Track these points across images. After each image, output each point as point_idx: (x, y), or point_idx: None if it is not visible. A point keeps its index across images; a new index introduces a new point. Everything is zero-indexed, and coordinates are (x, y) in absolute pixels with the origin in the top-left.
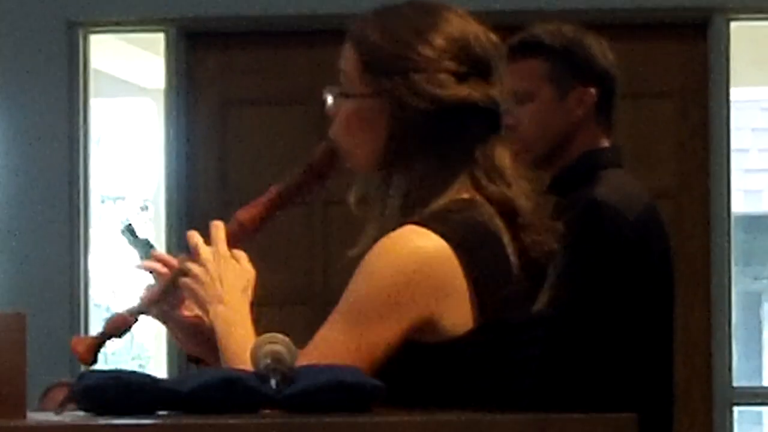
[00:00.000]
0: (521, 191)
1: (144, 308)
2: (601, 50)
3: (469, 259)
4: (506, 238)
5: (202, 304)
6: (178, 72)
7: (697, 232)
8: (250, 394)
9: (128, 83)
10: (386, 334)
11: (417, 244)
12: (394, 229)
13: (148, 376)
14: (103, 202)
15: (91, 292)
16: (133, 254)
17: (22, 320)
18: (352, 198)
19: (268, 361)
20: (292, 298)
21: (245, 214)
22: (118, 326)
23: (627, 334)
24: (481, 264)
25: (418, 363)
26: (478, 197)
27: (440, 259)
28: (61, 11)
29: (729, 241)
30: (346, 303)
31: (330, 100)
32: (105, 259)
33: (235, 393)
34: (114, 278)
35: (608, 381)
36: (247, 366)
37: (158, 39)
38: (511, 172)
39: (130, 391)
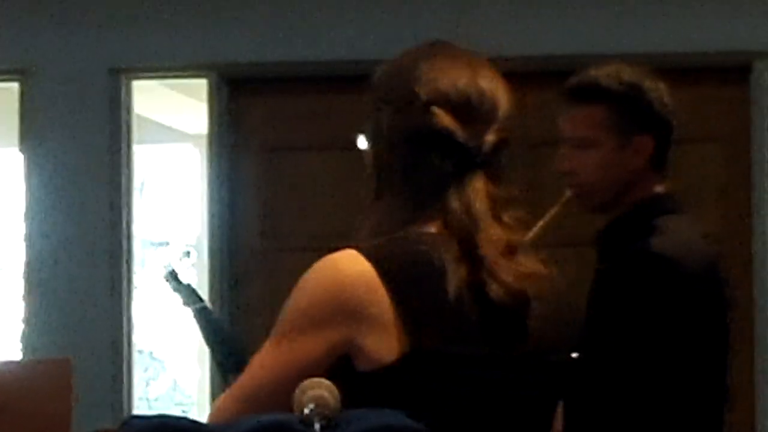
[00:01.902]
0: (489, 231)
1: None
2: (659, 95)
3: (398, 288)
4: (453, 275)
5: None
6: (221, 117)
7: (740, 275)
8: None
9: (171, 129)
10: (307, 349)
11: (343, 267)
12: None
13: (194, 421)
14: (146, 247)
15: (135, 338)
16: (177, 300)
17: (68, 366)
18: None
19: (312, 405)
20: None
21: None
22: None
23: (680, 387)
24: (412, 294)
25: (352, 389)
26: (444, 232)
27: (363, 283)
28: (103, 57)
29: None
30: (278, 321)
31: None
32: (148, 304)
33: None
34: (157, 323)
35: None
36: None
37: (201, 85)
38: (483, 210)
39: None
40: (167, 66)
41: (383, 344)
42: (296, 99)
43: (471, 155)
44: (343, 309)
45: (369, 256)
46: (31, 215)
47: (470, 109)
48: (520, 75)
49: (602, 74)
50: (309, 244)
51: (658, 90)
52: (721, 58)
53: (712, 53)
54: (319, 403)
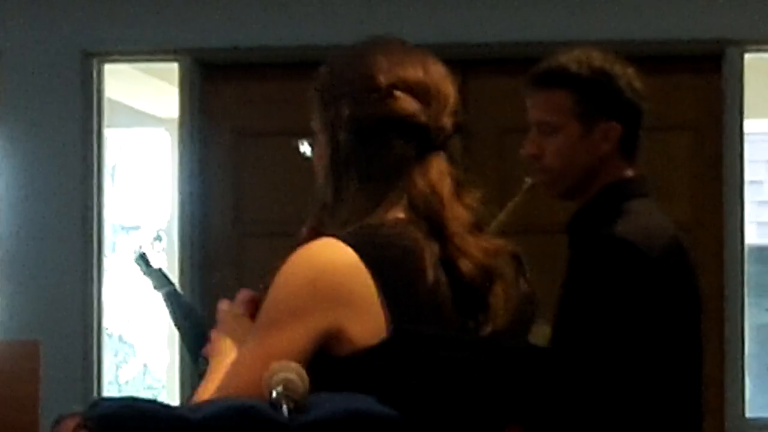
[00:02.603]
0: (454, 210)
1: None
2: (628, 81)
3: (380, 271)
4: (428, 255)
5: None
6: (193, 102)
7: (710, 265)
8: (263, 422)
9: (143, 113)
10: (291, 338)
11: (323, 254)
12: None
13: (162, 403)
14: (116, 231)
15: (105, 321)
16: (147, 284)
17: (36, 349)
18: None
19: (280, 389)
20: None
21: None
22: None
23: (652, 372)
24: (394, 277)
25: (329, 375)
26: (411, 216)
27: (346, 269)
28: (76, 41)
29: (742, 273)
30: (260, 312)
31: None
32: (119, 289)
33: (248, 421)
34: (127, 307)
35: (635, 421)
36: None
37: (173, 69)
38: (446, 191)
39: (143, 418)
40: (139, 50)
41: (366, 327)
42: (268, 84)
43: (432, 137)
44: (328, 295)
45: (348, 242)
46: (1, 199)
47: (428, 95)
48: (489, 61)
49: (570, 59)
50: (279, 229)
51: (628, 76)
52: (693, 45)
53: (685, 41)
54: (288, 386)
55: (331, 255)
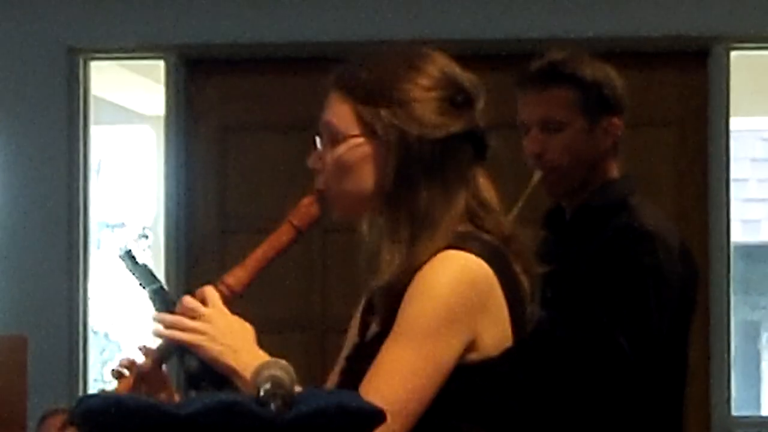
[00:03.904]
0: (509, 219)
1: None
2: (620, 81)
3: (503, 279)
4: (520, 266)
5: (215, 359)
6: (178, 99)
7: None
8: (250, 418)
9: (128, 110)
10: (449, 351)
11: (465, 264)
12: (418, 254)
13: (148, 400)
14: (102, 229)
15: (90, 319)
16: (132, 280)
17: (23, 343)
18: (363, 227)
19: (268, 385)
20: (291, 324)
21: (233, 278)
22: None
23: (645, 362)
24: (509, 283)
25: (460, 383)
26: (474, 226)
27: (485, 278)
28: (61, 37)
29: (728, 271)
30: (408, 325)
31: (318, 149)
32: (104, 285)
33: (234, 417)
34: (112, 305)
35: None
36: None
37: (158, 66)
38: (495, 200)
39: (130, 414)
40: (125, 47)
41: (498, 335)
42: (253, 80)
43: (483, 146)
44: (474, 305)
45: (473, 251)
46: None
47: (471, 99)
48: (478, 58)
49: (569, 56)
50: (265, 226)
51: (614, 73)
52: (679, 42)
53: (671, 37)
54: (275, 383)
55: (475, 266)
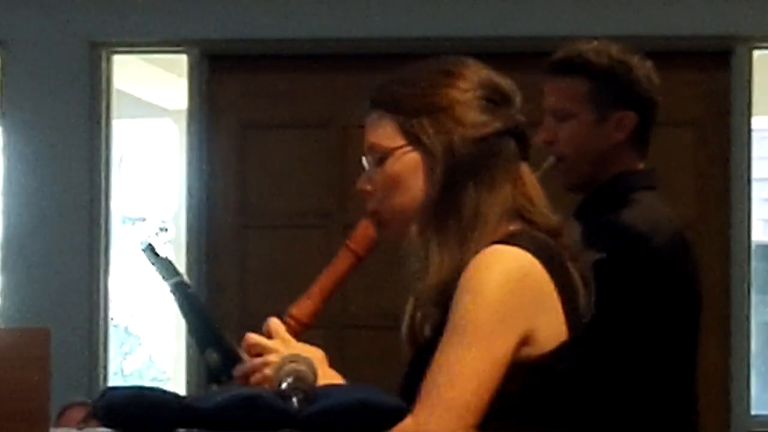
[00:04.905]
0: (558, 216)
1: None
2: (646, 73)
3: (554, 273)
4: (571, 261)
5: None
6: (200, 94)
7: (716, 261)
8: (272, 412)
9: (150, 104)
10: (506, 348)
11: (514, 259)
12: (469, 253)
13: (171, 393)
14: (123, 222)
15: (111, 312)
16: (154, 274)
17: (46, 336)
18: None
19: (290, 380)
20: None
21: (297, 309)
22: None
23: (648, 359)
24: (560, 277)
25: (518, 383)
26: (524, 223)
27: (535, 272)
28: (83, 32)
29: (748, 271)
30: (461, 323)
31: (366, 170)
32: (125, 280)
33: (256, 411)
34: (133, 299)
35: (630, 407)
36: None
37: (181, 60)
38: (542, 196)
39: (152, 408)
40: (148, 41)
41: (553, 331)
42: (275, 76)
43: (526, 143)
44: (529, 301)
45: (521, 246)
46: (9, 189)
47: (510, 98)
48: (499, 55)
49: (589, 48)
50: (285, 221)
51: (646, 68)
52: (701, 42)
53: (693, 37)
54: (297, 377)
55: (525, 262)
